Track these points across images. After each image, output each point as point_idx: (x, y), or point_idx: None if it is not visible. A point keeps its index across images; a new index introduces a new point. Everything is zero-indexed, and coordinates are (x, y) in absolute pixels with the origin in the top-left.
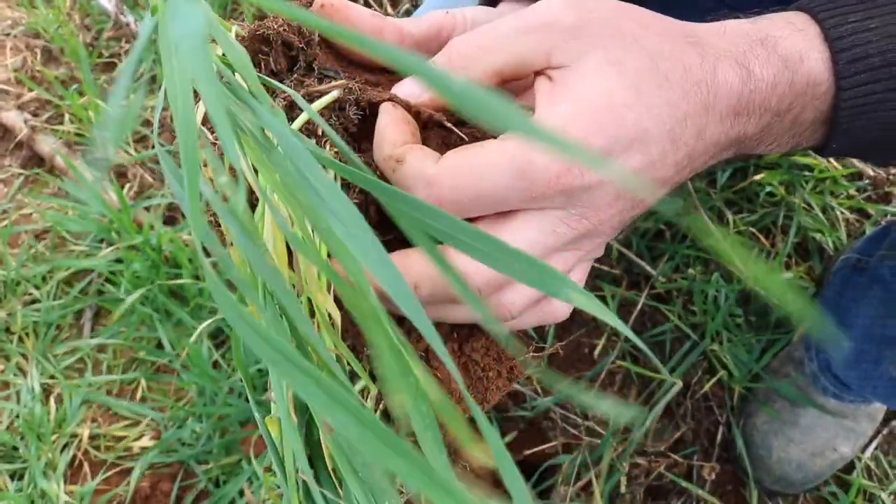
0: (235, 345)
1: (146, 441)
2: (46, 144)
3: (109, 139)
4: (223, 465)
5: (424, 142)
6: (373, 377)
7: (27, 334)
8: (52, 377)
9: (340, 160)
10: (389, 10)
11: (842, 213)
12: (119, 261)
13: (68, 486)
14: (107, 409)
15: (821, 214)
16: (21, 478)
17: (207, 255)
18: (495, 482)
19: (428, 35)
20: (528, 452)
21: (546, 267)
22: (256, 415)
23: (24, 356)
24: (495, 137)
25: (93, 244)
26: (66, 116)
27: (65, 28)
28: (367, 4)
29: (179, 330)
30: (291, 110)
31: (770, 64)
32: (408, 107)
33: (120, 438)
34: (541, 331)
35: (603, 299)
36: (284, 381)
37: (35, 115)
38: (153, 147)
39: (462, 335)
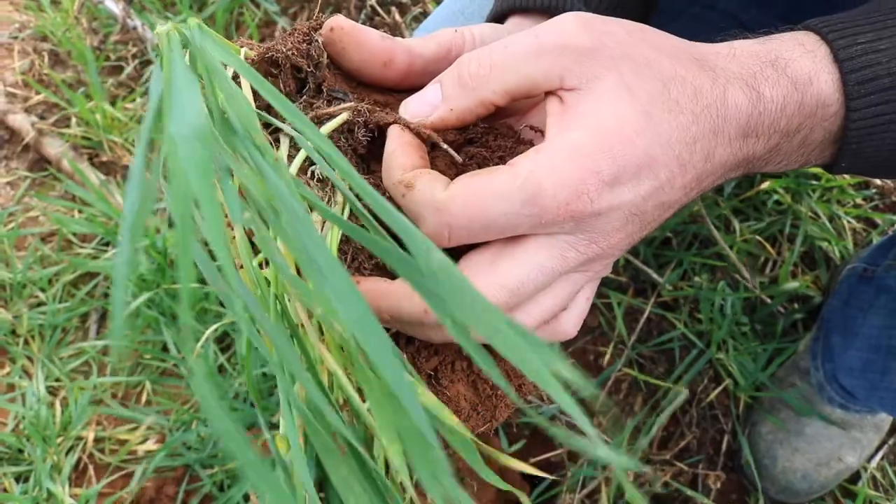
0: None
1: (151, 444)
2: (53, 147)
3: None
4: (228, 469)
5: (432, 162)
6: None
7: (33, 337)
8: (57, 380)
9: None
10: (398, 17)
11: (849, 222)
12: None
13: (73, 488)
14: (112, 412)
15: (828, 223)
16: (26, 480)
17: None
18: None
19: (437, 55)
20: (534, 460)
21: (533, 338)
22: (262, 421)
23: (29, 359)
24: (502, 159)
25: (99, 247)
26: (73, 120)
27: (72, 31)
28: (374, 12)
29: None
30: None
31: (779, 86)
32: (415, 130)
33: (125, 442)
34: None
35: (609, 307)
36: (294, 411)
37: (42, 118)
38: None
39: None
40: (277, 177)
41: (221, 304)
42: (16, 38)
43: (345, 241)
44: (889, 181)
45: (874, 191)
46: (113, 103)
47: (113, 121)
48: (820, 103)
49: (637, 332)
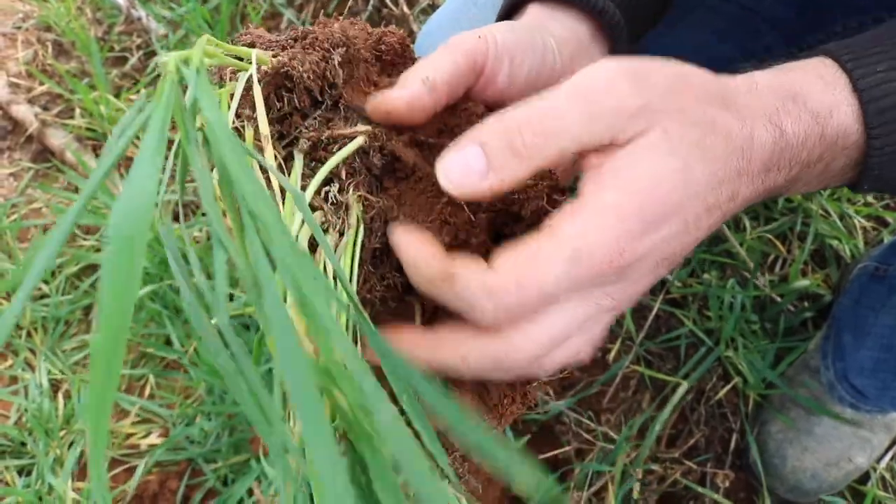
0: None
1: (154, 438)
2: (56, 139)
3: None
4: (232, 463)
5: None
6: None
7: (35, 329)
8: (60, 372)
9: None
10: (406, 9)
11: (859, 220)
12: None
13: (76, 482)
14: (115, 405)
15: (838, 221)
16: (29, 474)
17: None
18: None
19: (462, 71)
20: (541, 457)
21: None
22: None
23: (32, 351)
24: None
25: (102, 239)
26: (77, 111)
27: (76, 22)
28: (382, 3)
29: (189, 327)
30: (315, 150)
31: (801, 121)
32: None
33: (128, 435)
34: None
35: None
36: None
37: (46, 108)
38: None
39: None
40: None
41: None
42: (19, 27)
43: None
44: None
45: None
46: (117, 94)
47: (117, 111)
48: (841, 133)
49: (645, 329)
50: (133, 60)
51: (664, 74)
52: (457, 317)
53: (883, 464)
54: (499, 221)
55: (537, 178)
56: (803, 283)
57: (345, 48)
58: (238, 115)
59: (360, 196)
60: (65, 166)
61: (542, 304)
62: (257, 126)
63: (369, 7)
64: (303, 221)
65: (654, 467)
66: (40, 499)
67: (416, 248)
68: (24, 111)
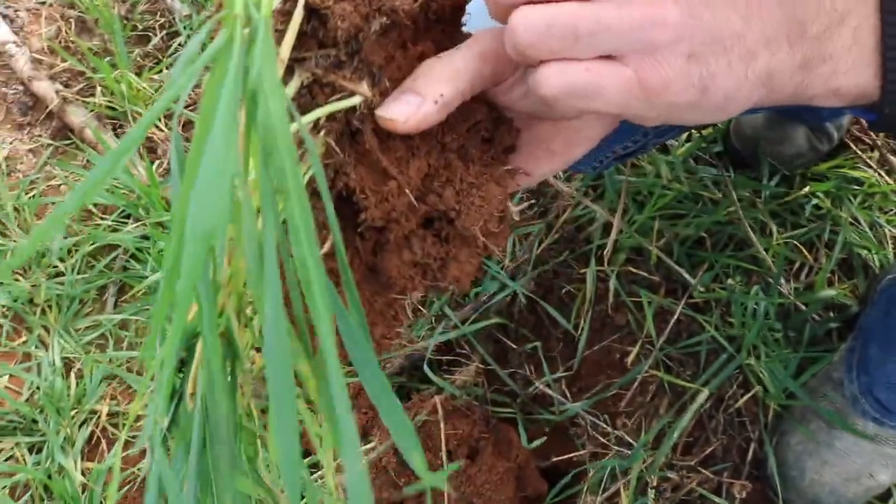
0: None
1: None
2: (77, 116)
3: None
4: None
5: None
6: None
7: (50, 307)
8: (73, 352)
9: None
10: None
11: (890, 230)
12: (145, 237)
13: (85, 462)
14: (127, 386)
15: (868, 231)
16: (39, 451)
17: None
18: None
19: (485, 80)
20: (556, 459)
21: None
22: None
23: (45, 329)
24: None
25: (119, 220)
26: (98, 89)
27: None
28: None
29: None
30: (312, 84)
31: None
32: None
33: (139, 417)
34: (573, 347)
35: (639, 305)
36: None
37: (67, 85)
38: (184, 124)
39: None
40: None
41: None
42: (43, 3)
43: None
44: None
45: None
46: (138, 73)
47: (138, 91)
48: None
49: (666, 334)
50: (156, 40)
51: None
52: None
53: None
54: (433, 215)
55: (485, 199)
56: (829, 292)
57: (389, 19)
58: None
59: (326, 141)
60: (84, 145)
61: None
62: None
63: None
64: None
65: (670, 474)
66: (49, 477)
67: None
68: (45, 87)
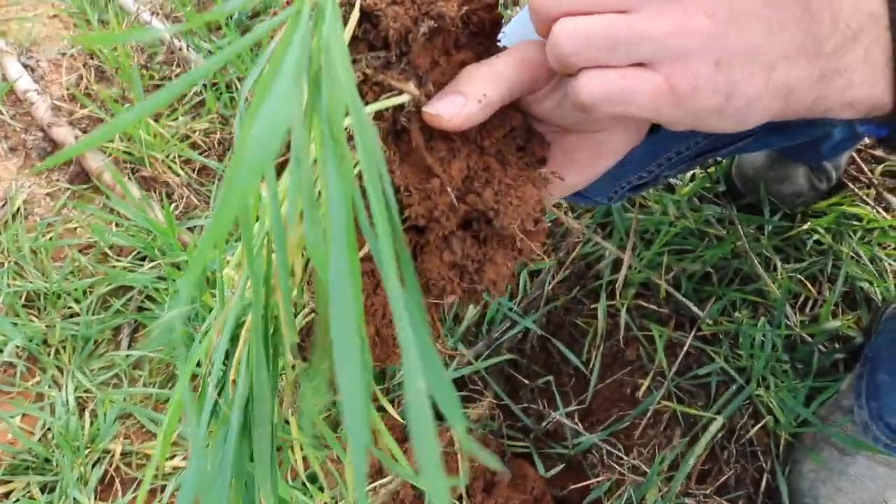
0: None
1: (178, 461)
2: (95, 161)
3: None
4: None
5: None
6: None
7: (64, 347)
8: (86, 391)
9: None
10: None
11: (890, 264)
12: (161, 278)
13: (98, 501)
14: (140, 426)
15: (869, 264)
16: (52, 490)
17: None
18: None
19: (523, 87)
20: (572, 487)
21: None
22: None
23: (59, 369)
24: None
25: (135, 261)
26: (117, 135)
27: (119, 50)
28: None
29: None
30: (363, 83)
31: None
32: None
33: (149, 457)
34: (585, 381)
35: (649, 339)
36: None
37: (85, 131)
38: (198, 170)
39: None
40: (339, 194)
41: None
42: (64, 54)
43: None
44: None
45: None
46: (156, 120)
47: (155, 137)
48: (873, 13)
49: (676, 365)
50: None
51: None
52: None
53: None
54: (472, 216)
55: (521, 199)
56: (834, 323)
57: (436, 23)
58: None
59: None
60: (102, 188)
61: None
62: None
63: None
64: None
65: (687, 501)
66: None
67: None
68: (64, 133)
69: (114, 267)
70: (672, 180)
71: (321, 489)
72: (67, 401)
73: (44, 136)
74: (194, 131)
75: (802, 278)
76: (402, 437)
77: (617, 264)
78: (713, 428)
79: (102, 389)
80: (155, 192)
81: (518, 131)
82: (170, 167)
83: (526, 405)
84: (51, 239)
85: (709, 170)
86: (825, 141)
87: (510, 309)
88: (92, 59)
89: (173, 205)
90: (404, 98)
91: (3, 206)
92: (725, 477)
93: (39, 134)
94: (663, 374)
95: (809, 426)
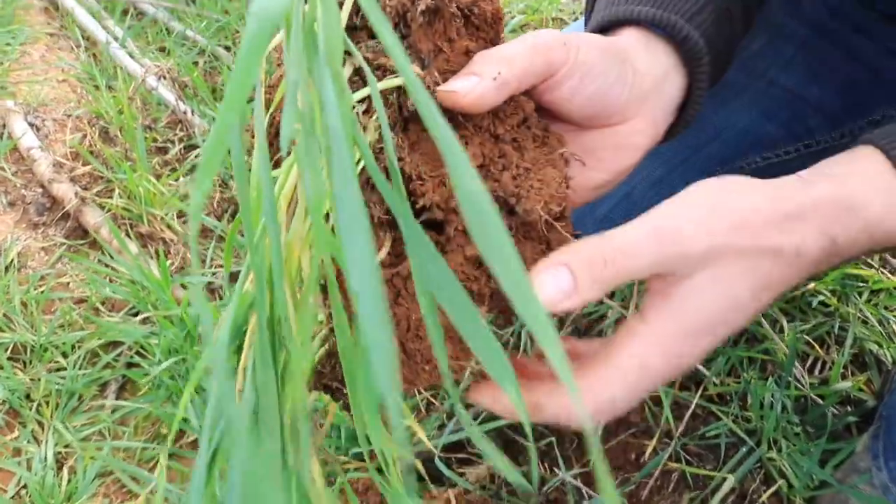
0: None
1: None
2: (92, 217)
3: None
4: None
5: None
6: None
7: (47, 403)
8: (67, 446)
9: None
10: None
11: None
12: (153, 333)
13: None
14: (121, 485)
15: (877, 326)
16: None
17: None
18: None
19: (536, 72)
20: None
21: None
22: None
23: (40, 424)
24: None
25: (126, 317)
26: (117, 191)
27: (126, 111)
28: None
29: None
30: (363, 70)
31: (852, 230)
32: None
33: None
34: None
35: (655, 400)
36: None
37: (86, 188)
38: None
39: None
40: (338, 116)
41: None
42: (69, 115)
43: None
44: None
45: None
46: (157, 179)
47: (154, 196)
48: (889, 236)
49: (683, 426)
50: (174, 151)
51: (730, 211)
52: None
53: None
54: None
55: (543, 181)
56: (845, 384)
57: (434, 2)
58: None
59: (378, 125)
60: (98, 243)
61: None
62: None
63: None
64: None
65: None
66: None
67: (500, 404)
68: (64, 189)
69: (104, 322)
70: None
71: None
72: (46, 456)
73: (43, 191)
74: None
75: (810, 339)
76: None
77: (619, 324)
78: (724, 488)
79: (84, 445)
80: (152, 248)
81: (532, 120)
82: (168, 225)
83: (528, 468)
84: (42, 292)
85: None
86: None
87: None
88: (97, 119)
89: (169, 261)
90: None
91: None
92: None
93: (39, 190)
94: (669, 435)
95: (824, 489)
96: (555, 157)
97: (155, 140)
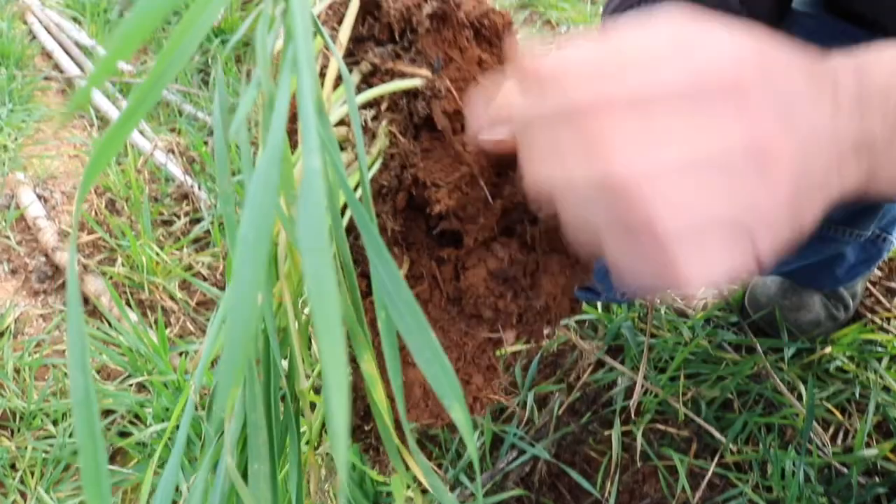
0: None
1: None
2: (93, 285)
3: None
4: None
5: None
6: None
7: (32, 472)
8: None
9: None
10: None
11: None
12: (148, 402)
13: None
14: None
15: None
16: None
17: None
18: None
19: None
20: None
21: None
22: None
23: (22, 494)
24: None
25: (121, 386)
26: (119, 259)
27: (133, 183)
28: None
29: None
30: (372, 75)
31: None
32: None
33: None
34: None
35: (670, 469)
36: None
37: (89, 257)
38: (197, 301)
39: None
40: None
41: None
42: (78, 188)
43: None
44: None
45: None
46: (160, 248)
47: (158, 264)
48: None
49: (700, 494)
50: (179, 223)
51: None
52: None
53: None
54: (513, 217)
55: None
56: (870, 452)
57: (439, 4)
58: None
59: (389, 131)
60: (98, 311)
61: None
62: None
63: None
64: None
65: None
66: None
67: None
68: (67, 258)
69: (99, 392)
70: (684, 306)
71: None
72: None
73: (46, 260)
74: (197, 262)
75: (830, 406)
76: None
77: (630, 390)
78: None
79: None
80: (152, 317)
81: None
82: (169, 293)
83: None
84: (37, 358)
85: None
86: (839, 263)
87: (517, 436)
88: (105, 192)
89: (168, 329)
90: (416, 82)
91: None
92: None
93: (42, 258)
94: (688, 501)
95: None
96: None
97: (161, 213)
